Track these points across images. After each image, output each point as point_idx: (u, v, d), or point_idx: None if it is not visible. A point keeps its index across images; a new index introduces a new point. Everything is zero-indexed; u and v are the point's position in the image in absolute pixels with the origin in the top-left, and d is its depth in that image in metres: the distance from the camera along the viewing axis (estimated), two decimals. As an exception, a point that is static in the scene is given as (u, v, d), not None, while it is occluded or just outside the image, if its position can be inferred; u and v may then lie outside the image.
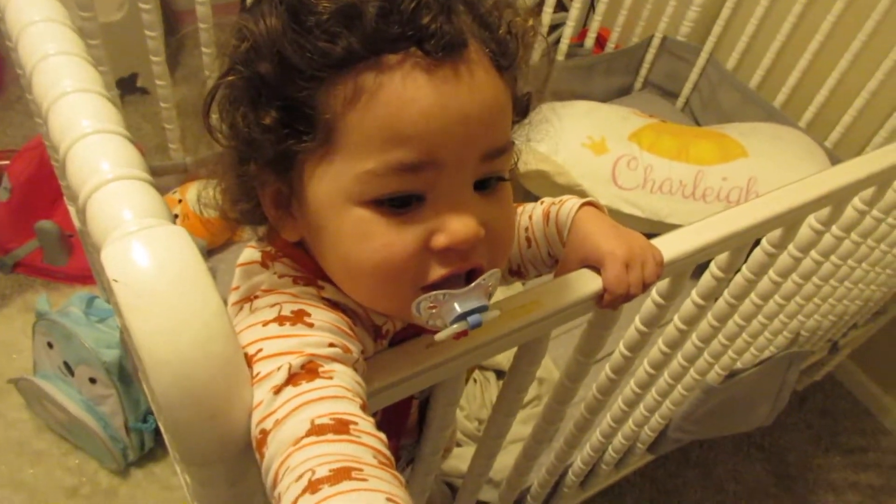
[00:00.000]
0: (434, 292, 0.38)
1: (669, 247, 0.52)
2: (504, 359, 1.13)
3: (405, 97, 0.35)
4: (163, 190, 1.47)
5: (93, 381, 1.10)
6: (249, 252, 0.45)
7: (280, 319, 0.37)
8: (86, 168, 0.35)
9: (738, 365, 0.97)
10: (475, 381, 1.12)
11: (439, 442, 0.56)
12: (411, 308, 0.39)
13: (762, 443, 1.53)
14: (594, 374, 0.68)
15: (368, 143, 0.36)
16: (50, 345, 1.14)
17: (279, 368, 0.34)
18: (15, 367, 1.28)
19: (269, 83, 0.37)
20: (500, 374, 1.15)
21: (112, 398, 1.10)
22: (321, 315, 0.38)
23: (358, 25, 0.35)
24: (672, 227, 1.30)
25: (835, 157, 1.40)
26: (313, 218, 0.39)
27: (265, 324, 0.37)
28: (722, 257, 0.61)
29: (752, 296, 0.75)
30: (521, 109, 0.45)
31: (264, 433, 0.32)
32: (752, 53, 1.60)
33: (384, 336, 0.45)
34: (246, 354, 0.35)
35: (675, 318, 0.68)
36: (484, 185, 0.40)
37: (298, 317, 0.37)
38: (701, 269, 0.62)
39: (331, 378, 0.34)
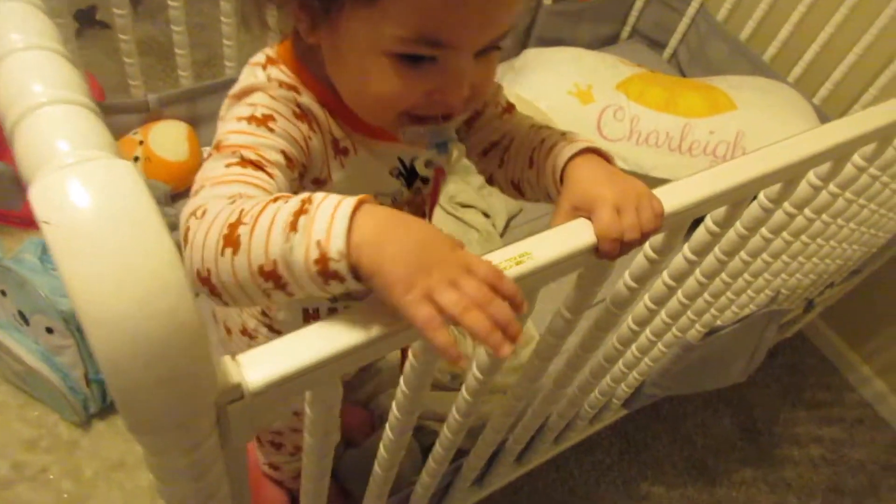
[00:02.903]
0: (419, 127, 0.49)
1: (668, 199, 0.49)
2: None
3: None
4: (123, 130, 1.38)
5: (49, 330, 1.05)
6: (259, 55, 0.52)
7: (250, 119, 0.46)
8: (13, 88, 0.30)
9: (719, 322, 0.96)
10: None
11: (415, 404, 0.53)
12: (398, 132, 0.49)
13: (730, 398, 1.56)
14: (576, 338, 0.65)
15: (409, 14, 0.42)
16: (3, 293, 1.08)
17: (233, 153, 0.44)
18: (-33, 314, 1.21)
19: None
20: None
21: (71, 349, 1.05)
22: (284, 124, 0.47)
23: None
24: (656, 180, 1.28)
25: (822, 114, 1.38)
26: (342, 46, 0.46)
27: (238, 119, 0.46)
28: (719, 212, 0.58)
29: (742, 252, 0.73)
30: None
31: (201, 187, 0.42)
32: (743, 4, 1.55)
33: (342, 152, 0.53)
34: (220, 141, 0.45)
35: (665, 273, 0.66)
36: (482, 51, 0.46)
37: (264, 121, 0.47)
38: (692, 228, 0.59)
39: (272, 177, 0.44)
